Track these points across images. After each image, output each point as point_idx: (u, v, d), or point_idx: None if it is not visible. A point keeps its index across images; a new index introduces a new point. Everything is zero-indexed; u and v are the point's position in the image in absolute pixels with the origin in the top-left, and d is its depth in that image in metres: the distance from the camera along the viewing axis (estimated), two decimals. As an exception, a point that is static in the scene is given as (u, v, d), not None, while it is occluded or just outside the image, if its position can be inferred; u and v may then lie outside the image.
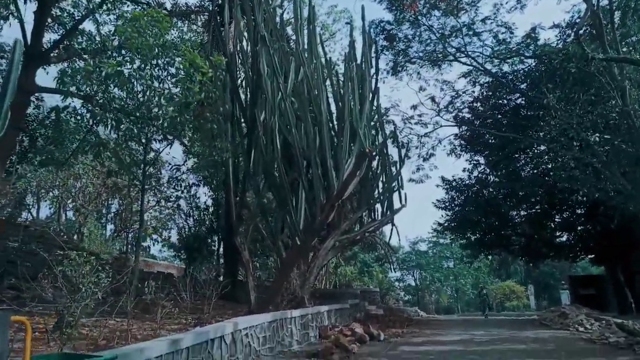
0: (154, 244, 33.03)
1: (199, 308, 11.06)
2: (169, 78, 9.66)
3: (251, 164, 9.80)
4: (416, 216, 67.32)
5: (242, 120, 10.14)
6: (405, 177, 23.36)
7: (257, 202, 9.86)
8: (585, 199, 19.03)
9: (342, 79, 13.98)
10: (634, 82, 13.63)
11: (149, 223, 28.65)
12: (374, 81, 14.58)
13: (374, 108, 15.33)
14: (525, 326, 15.37)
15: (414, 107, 20.05)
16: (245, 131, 10.13)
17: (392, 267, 30.28)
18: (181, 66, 8.66)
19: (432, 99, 19.31)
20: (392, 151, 22.26)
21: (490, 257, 25.86)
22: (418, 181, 21.14)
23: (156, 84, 9.41)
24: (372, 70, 15.65)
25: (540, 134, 17.54)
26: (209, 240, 22.56)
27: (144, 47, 8.02)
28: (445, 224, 21.41)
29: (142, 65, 9.09)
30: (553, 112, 14.15)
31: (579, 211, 20.49)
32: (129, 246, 36.86)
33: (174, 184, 18.09)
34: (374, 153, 9.47)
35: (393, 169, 17.92)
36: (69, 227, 25.41)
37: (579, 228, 21.59)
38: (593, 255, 24.20)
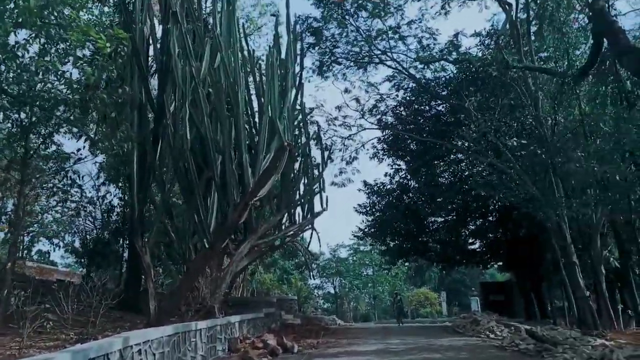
0: (54, 249, 29.82)
1: (91, 321, 9.81)
2: (61, 54, 8.44)
3: (157, 157, 8.78)
4: (338, 222, 67.97)
5: (150, 108, 9.05)
6: (328, 181, 23.13)
7: (162, 199, 8.87)
8: (497, 206, 19.95)
9: (264, 72, 13.34)
10: (546, 93, 14.40)
11: (49, 226, 25.83)
12: (297, 78, 14.11)
13: (298, 106, 14.88)
14: (440, 333, 15.60)
15: (339, 108, 19.94)
16: (153, 120, 9.05)
17: (311, 274, 29.99)
18: (73, 39, 7.51)
19: (357, 100, 19.33)
20: (315, 153, 21.82)
21: (407, 264, 26.42)
22: (340, 185, 20.98)
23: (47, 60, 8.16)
24: (297, 68, 15.21)
25: (459, 142, 18.15)
26: (116, 245, 20.65)
27: (25, 12, 6.83)
28: (366, 229, 21.45)
29: (28, 37, 7.85)
30: (473, 117, 14.59)
31: (490, 218, 21.45)
32: (25, 251, 33.11)
33: (67, 179, 15.94)
34: (293, 148, 8.86)
35: (315, 171, 17.58)
36: (-55, 227, 22.22)
37: (489, 235, 22.67)
38: (501, 262, 25.60)
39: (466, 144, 16.43)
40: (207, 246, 8.37)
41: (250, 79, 14.44)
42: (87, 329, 7.76)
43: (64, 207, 22.71)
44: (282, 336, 13.39)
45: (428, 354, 10.10)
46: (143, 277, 12.56)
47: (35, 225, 27.06)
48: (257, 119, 13.56)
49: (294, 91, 12.63)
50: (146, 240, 8.80)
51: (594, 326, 13.72)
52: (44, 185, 19.50)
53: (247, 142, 9.58)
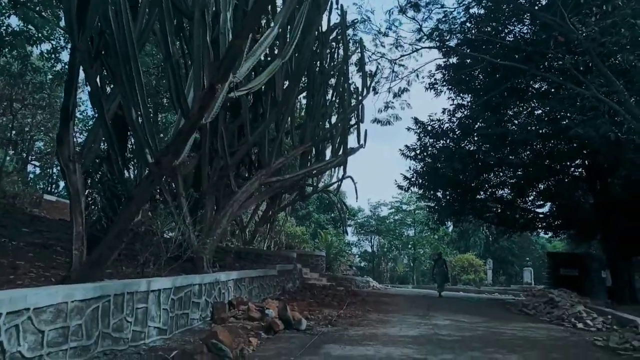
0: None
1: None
2: None
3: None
4: (381, 177, 64.46)
5: None
6: (369, 116, 19.23)
7: (93, 85, 5.60)
8: (586, 160, 15.71)
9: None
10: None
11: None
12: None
13: None
14: (502, 313, 12.12)
15: (390, 14, 15.65)
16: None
17: (344, 229, 26.83)
18: None
19: (415, 4, 14.90)
20: (356, 80, 17.96)
21: (460, 224, 22.47)
22: (385, 122, 17.20)
23: None
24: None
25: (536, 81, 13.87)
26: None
27: None
28: (413, 178, 17.59)
29: None
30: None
31: (575, 173, 17.08)
32: (53, 185, 31.65)
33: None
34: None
35: (353, 100, 13.96)
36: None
37: (566, 197, 18.43)
38: (573, 231, 21.36)
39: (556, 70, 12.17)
40: (151, 161, 5.08)
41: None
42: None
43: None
44: (291, 303, 10.27)
45: (500, 354, 6.66)
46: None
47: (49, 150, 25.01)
48: None
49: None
50: (70, 148, 5.63)
51: None
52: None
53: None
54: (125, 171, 8.69)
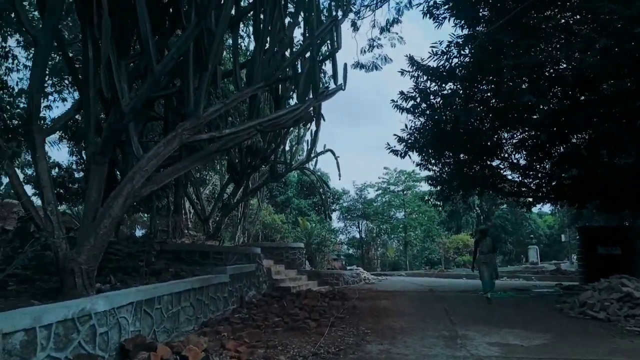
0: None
1: None
2: None
3: None
4: (366, 158, 60.88)
5: None
6: (350, 58, 15.29)
7: None
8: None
9: None
10: None
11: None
12: None
13: None
14: (564, 323, 8.30)
15: None
16: None
17: (326, 213, 22.93)
18: None
19: None
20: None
21: (469, 199, 18.43)
22: (369, 67, 13.21)
23: None
24: None
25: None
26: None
27: None
28: (411, 140, 13.42)
29: None
30: None
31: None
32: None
33: None
34: None
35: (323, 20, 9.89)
36: None
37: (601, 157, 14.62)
38: (599, 201, 17.66)
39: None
40: None
41: None
42: None
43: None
44: (237, 335, 6.34)
45: None
46: None
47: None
48: None
49: None
50: None
51: None
52: None
53: None
54: None
